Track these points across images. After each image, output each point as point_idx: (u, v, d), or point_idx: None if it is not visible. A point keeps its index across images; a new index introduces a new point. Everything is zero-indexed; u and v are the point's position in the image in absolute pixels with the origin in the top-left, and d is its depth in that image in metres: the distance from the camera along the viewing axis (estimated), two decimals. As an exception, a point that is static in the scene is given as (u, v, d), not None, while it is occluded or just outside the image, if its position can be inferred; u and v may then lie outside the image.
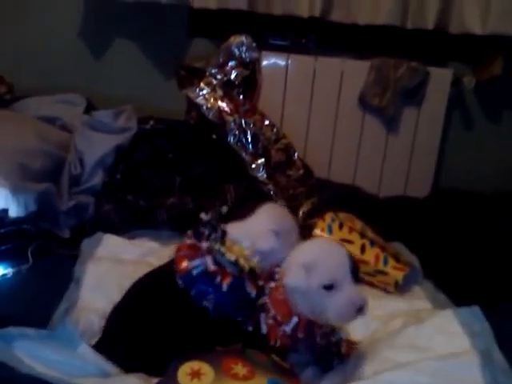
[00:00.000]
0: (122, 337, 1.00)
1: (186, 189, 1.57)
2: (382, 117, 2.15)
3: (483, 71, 2.18)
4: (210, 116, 1.68)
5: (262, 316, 0.99)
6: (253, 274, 1.02)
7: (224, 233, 1.05)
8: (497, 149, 2.34)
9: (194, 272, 1.00)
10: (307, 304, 0.99)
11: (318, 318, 0.99)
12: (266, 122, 1.74)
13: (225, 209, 1.30)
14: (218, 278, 0.99)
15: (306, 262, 0.99)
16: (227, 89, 1.71)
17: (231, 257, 1.00)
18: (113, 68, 2.24)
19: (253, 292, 1.00)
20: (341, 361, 1.03)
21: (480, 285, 1.37)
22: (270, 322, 0.99)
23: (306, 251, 1.04)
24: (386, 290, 1.38)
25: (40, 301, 1.15)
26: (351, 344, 1.09)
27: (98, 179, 1.55)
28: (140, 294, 1.06)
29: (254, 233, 1.06)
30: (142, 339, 0.98)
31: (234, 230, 1.08)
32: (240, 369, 0.76)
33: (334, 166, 2.24)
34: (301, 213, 1.71)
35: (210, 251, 1.02)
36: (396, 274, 1.36)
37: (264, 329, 0.97)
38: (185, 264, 1.02)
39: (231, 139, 1.68)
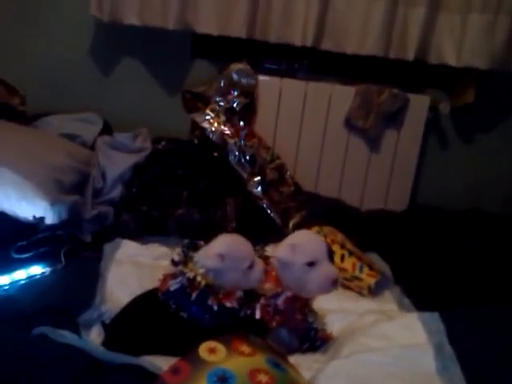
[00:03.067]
0: (118, 342, 1.17)
1: (193, 201, 1.79)
2: (366, 137, 2.31)
3: (457, 98, 2.33)
4: (214, 138, 1.91)
5: (257, 305, 1.20)
6: (213, 289, 1.17)
7: (190, 257, 1.23)
8: (469, 169, 2.49)
9: (172, 288, 1.18)
10: (292, 278, 1.23)
11: (301, 291, 1.23)
12: (263, 145, 1.96)
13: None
14: (189, 291, 1.18)
15: (293, 243, 1.25)
16: (229, 115, 1.93)
17: (190, 274, 1.18)
18: (120, 86, 2.37)
19: (214, 305, 1.15)
20: (321, 343, 1.26)
21: (440, 291, 1.59)
22: (263, 301, 1.20)
23: (294, 236, 1.32)
24: (360, 294, 1.62)
25: (75, 293, 1.35)
26: (327, 334, 1.31)
27: (117, 192, 1.77)
28: (129, 312, 1.25)
29: (206, 256, 1.20)
30: (133, 345, 1.15)
31: (197, 256, 1.23)
32: (245, 348, 0.99)
33: (321, 181, 2.36)
34: (291, 225, 1.94)
35: (181, 273, 1.22)
36: (369, 279, 1.60)
37: (258, 314, 1.18)
38: (165, 284, 1.21)
39: (232, 159, 1.91)
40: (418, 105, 2.28)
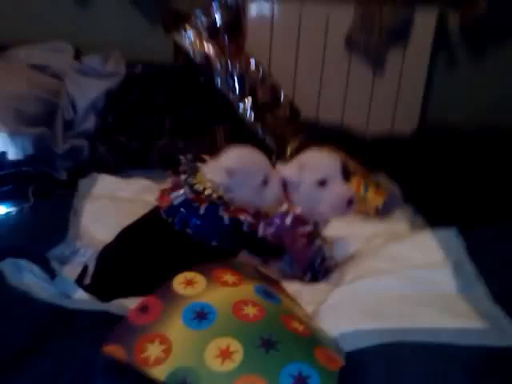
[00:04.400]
0: (113, 273, 1.04)
1: (176, 130, 1.61)
2: (369, 57, 2.17)
3: (467, 10, 2.17)
4: (197, 59, 1.70)
5: (261, 222, 1.08)
6: (224, 202, 1.07)
7: (196, 168, 1.11)
8: (481, 85, 2.34)
9: (175, 202, 1.06)
10: (302, 199, 1.11)
11: (313, 213, 1.10)
12: (252, 63, 1.76)
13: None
14: (196, 204, 1.05)
15: (301, 160, 1.14)
16: (212, 31, 1.73)
17: (199, 187, 1.06)
18: (97, 13, 2.18)
19: (225, 216, 1.04)
20: (325, 275, 1.11)
21: (457, 209, 1.42)
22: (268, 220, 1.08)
23: (303, 155, 1.19)
24: (367, 216, 1.44)
25: (44, 230, 1.21)
26: (334, 264, 1.16)
27: (90, 123, 1.59)
28: (127, 233, 1.11)
29: (214, 170, 1.10)
30: (133, 273, 1.02)
31: (207, 167, 1.14)
32: (229, 277, 0.83)
33: (322, 107, 2.27)
34: (288, 151, 1.76)
35: (186, 184, 1.09)
36: (376, 199, 1.43)
37: (261, 230, 1.06)
38: (166, 198, 1.08)
39: (218, 81, 1.71)
40: (425, 19, 2.14)
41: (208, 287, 0.80)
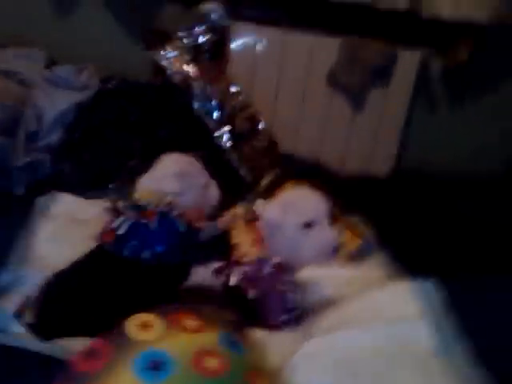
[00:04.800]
0: (59, 308, 0.95)
1: (149, 152, 1.52)
2: (350, 95, 2.15)
3: (450, 57, 2.16)
4: (176, 80, 1.63)
5: (235, 270, 1.00)
6: (174, 209, 1.02)
7: (131, 188, 1.07)
8: (462, 133, 2.32)
9: (120, 231, 0.98)
10: (284, 243, 1.02)
11: (294, 259, 1.02)
12: (233, 90, 1.70)
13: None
14: (144, 221, 0.98)
15: (285, 200, 1.04)
16: (194, 53, 1.66)
17: (144, 201, 1.01)
18: (76, 24, 2.08)
19: (179, 221, 0.99)
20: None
21: (432, 256, 1.39)
22: (243, 267, 0.99)
23: (286, 194, 1.11)
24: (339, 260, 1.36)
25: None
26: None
27: (56, 136, 1.49)
28: (78, 264, 1.01)
29: (160, 178, 1.07)
30: (82, 308, 0.93)
31: (142, 182, 1.10)
32: (191, 322, 0.74)
33: (300, 142, 2.20)
34: (263, 183, 1.69)
35: (126, 208, 1.02)
36: (351, 244, 1.37)
37: (233, 280, 0.98)
38: (108, 233, 1.00)
39: (196, 105, 1.64)
40: (408, 61, 2.11)
41: (166, 332, 0.71)
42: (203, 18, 1.81)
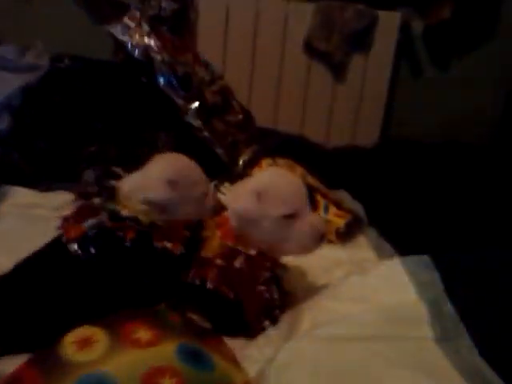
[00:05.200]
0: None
1: (109, 136, 1.38)
2: (329, 62, 2.06)
3: (432, 15, 2.09)
4: (136, 54, 1.49)
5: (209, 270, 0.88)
6: (156, 228, 0.89)
7: (113, 189, 0.92)
8: (446, 96, 2.24)
9: (90, 233, 0.86)
10: (263, 237, 0.90)
11: (275, 251, 0.92)
12: (200, 61, 1.55)
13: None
14: (121, 234, 0.86)
15: (259, 188, 0.90)
16: (154, 24, 1.51)
17: (126, 213, 0.88)
18: (36, 8, 1.98)
19: (159, 246, 0.87)
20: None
21: (426, 231, 1.27)
22: (218, 262, 0.87)
23: (258, 178, 0.98)
24: (327, 240, 1.24)
25: None
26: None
27: (3, 124, 1.34)
28: (21, 269, 0.88)
29: (148, 184, 0.91)
30: (20, 322, 0.81)
31: (128, 182, 0.94)
32: (143, 334, 0.61)
33: (279, 115, 2.14)
34: (241, 161, 1.56)
35: (102, 208, 0.90)
36: (337, 221, 1.24)
37: (210, 283, 0.86)
38: (76, 227, 0.87)
39: (161, 81, 1.50)
40: (388, 23, 2.03)
41: (111, 349, 0.58)
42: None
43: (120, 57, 1.62)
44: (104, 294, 0.83)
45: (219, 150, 1.52)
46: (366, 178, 1.66)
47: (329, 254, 1.12)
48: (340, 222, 1.23)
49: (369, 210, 1.39)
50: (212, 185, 1.03)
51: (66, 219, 0.90)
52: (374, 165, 1.79)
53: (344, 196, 1.42)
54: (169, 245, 0.87)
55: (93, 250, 0.85)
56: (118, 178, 0.98)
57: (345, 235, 1.23)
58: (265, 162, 1.33)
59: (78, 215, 0.89)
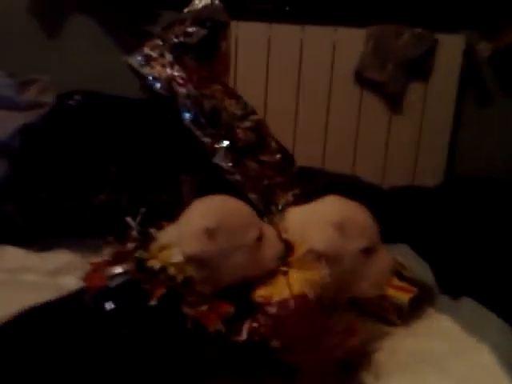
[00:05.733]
0: None
1: (123, 182, 1.19)
2: (384, 94, 1.91)
3: (500, 38, 1.93)
4: (158, 88, 1.30)
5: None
6: (191, 288, 0.74)
7: (150, 235, 0.80)
8: None
9: (114, 283, 0.74)
10: (341, 275, 0.80)
11: (345, 291, 0.83)
12: (230, 94, 1.36)
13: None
14: (146, 287, 0.73)
15: (337, 221, 0.82)
16: (179, 53, 1.33)
17: (156, 264, 0.74)
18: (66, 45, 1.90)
19: (189, 313, 0.72)
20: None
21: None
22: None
23: (328, 209, 0.87)
24: (384, 320, 0.98)
25: None
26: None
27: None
28: (28, 323, 0.75)
29: (184, 235, 0.77)
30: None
31: (165, 234, 0.80)
32: None
33: (328, 155, 1.99)
34: (279, 208, 1.33)
35: (135, 257, 0.77)
36: (400, 296, 0.96)
37: (243, 334, 0.74)
38: (100, 277, 0.76)
39: (185, 117, 1.30)
40: (450, 48, 1.90)
41: None
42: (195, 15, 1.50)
43: (146, 92, 1.45)
44: (116, 359, 0.71)
45: (252, 196, 1.31)
46: (432, 224, 1.43)
47: (390, 342, 0.87)
48: (403, 298, 0.96)
49: (438, 269, 1.11)
50: (270, 227, 0.84)
51: (94, 266, 0.78)
52: (441, 207, 1.60)
53: (406, 254, 1.14)
54: (202, 315, 0.73)
55: (111, 305, 0.72)
56: (160, 227, 0.83)
57: (410, 314, 0.95)
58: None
59: (105, 263, 0.77)
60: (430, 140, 1.95)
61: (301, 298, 0.74)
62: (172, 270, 0.73)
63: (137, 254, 0.76)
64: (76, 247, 1.12)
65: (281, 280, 0.78)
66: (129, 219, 0.82)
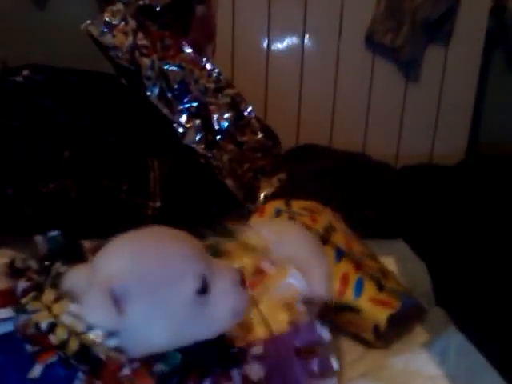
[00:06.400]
0: None
1: (76, 168, 1.05)
2: (398, 61, 1.82)
3: None
4: (120, 59, 1.16)
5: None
6: (94, 361, 0.54)
7: (56, 275, 0.60)
8: None
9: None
10: None
11: None
12: (202, 64, 1.20)
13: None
14: (33, 349, 0.54)
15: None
16: (143, 18, 1.18)
17: (44, 319, 0.55)
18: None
19: None
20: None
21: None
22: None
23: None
24: (362, 339, 0.81)
25: None
26: None
27: None
28: None
29: (88, 288, 0.57)
30: None
31: (74, 275, 0.60)
32: None
33: (336, 129, 1.88)
34: (262, 197, 1.19)
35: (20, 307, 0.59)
36: (375, 312, 0.79)
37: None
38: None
39: (151, 92, 1.15)
40: (474, 6, 1.79)
41: None
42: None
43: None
44: None
45: (230, 182, 1.18)
46: (444, 214, 1.32)
47: (366, 362, 0.71)
48: (381, 315, 0.78)
49: (438, 269, 0.94)
50: (229, 268, 0.64)
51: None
52: (458, 191, 1.48)
53: (402, 252, 0.97)
54: None
55: None
56: (80, 259, 0.63)
57: (389, 334, 0.78)
58: (270, 206, 0.91)
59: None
60: (451, 113, 1.87)
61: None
62: (61, 333, 0.54)
63: (23, 301, 0.58)
64: (17, 245, 0.98)
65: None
66: (39, 238, 0.66)
